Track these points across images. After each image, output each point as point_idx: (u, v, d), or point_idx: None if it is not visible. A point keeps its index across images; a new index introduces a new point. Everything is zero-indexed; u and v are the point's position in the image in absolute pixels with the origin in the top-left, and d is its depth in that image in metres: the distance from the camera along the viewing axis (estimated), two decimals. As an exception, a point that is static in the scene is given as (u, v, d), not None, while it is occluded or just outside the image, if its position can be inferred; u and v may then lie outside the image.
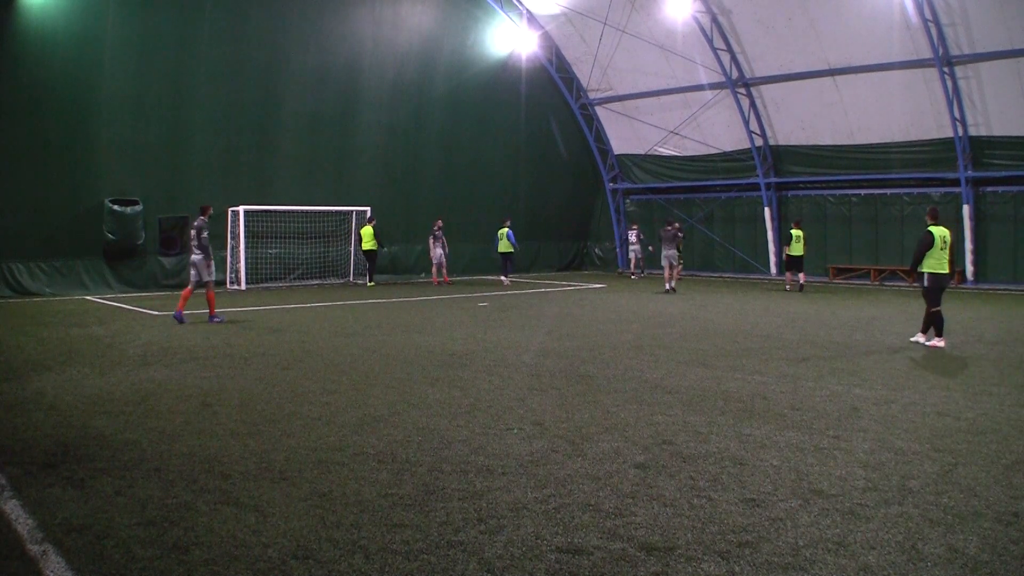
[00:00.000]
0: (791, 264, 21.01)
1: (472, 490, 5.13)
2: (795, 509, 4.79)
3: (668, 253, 20.68)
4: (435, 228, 23.21)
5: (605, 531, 4.46)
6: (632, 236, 26.86)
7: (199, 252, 13.73)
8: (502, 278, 23.62)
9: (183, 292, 14.28)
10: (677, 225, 21.84)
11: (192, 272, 14.01)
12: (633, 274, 26.62)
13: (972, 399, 7.84)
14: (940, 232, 11.23)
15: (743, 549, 4.22)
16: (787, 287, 21.23)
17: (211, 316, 14.00)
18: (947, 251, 11.28)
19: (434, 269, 23.30)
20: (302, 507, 4.82)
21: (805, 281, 21.29)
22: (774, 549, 4.21)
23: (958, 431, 6.61)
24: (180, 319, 13.70)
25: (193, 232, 13.85)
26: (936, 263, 11.20)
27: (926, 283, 11.24)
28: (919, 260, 11.25)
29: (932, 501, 4.92)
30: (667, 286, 20.50)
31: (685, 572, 3.96)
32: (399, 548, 4.22)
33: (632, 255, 26.83)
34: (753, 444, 6.22)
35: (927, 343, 11.33)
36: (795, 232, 20.89)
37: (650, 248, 25.85)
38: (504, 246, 23.45)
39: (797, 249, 20.79)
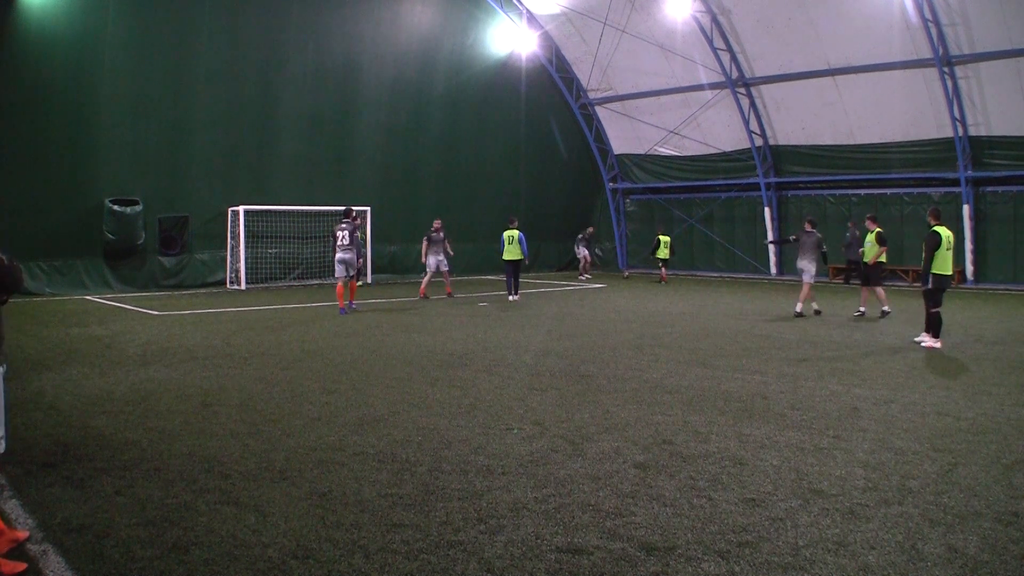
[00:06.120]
0: (869, 274, 14.98)
1: (472, 490, 5.13)
2: (795, 509, 4.79)
3: (805, 265, 15.26)
4: (432, 230, 18.81)
5: (605, 531, 4.46)
6: (583, 247, 26.88)
7: (351, 250, 15.41)
8: (510, 296, 18.38)
9: (338, 289, 15.83)
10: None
11: (340, 268, 15.57)
12: (583, 275, 26.47)
13: (972, 399, 7.84)
14: (947, 233, 11.12)
15: (743, 549, 4.22)
16: (885, 308, 14.80)
17: (348, 303, 15.62)
18: (951, 251, 11.18)
19: (426, 278, 18.91)
20: (302, 507, 4.82)
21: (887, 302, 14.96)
22: (774, 549, 4.21)
23: (958, 431, 6.61)
24: (345, 312, 15.36)
25: (345, 233, 15.49)
26: (941, 264, 11.07)
27: (930, 284, 11.11)
28: (931, 261, 11.02)
29: (932, 501, 4.92)
30: (799, 307, 15.13)
31: (685, 572, 3.96)
32: (399, 548, 4.22)
33: (581, 257, 26.88)
34: (753, 444, 6.22)
35: (924, 344, 11.30)
36: (879, 230, 15.04)
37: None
38: (513, 252, 18.34)
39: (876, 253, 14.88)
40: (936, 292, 11.13)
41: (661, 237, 24.72)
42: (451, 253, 19.10)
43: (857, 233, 20.58)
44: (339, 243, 15.60)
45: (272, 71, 22.29)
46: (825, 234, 24.92)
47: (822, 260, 15.53)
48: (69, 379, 8.88)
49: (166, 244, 21.04)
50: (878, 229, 14.92)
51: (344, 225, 15.68)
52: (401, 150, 25.22)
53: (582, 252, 26.81)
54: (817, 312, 15.28)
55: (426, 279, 18.95)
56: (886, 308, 14.79)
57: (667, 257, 24.60)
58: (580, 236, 27.19)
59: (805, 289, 15.11)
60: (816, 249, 15.25)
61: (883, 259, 15.12)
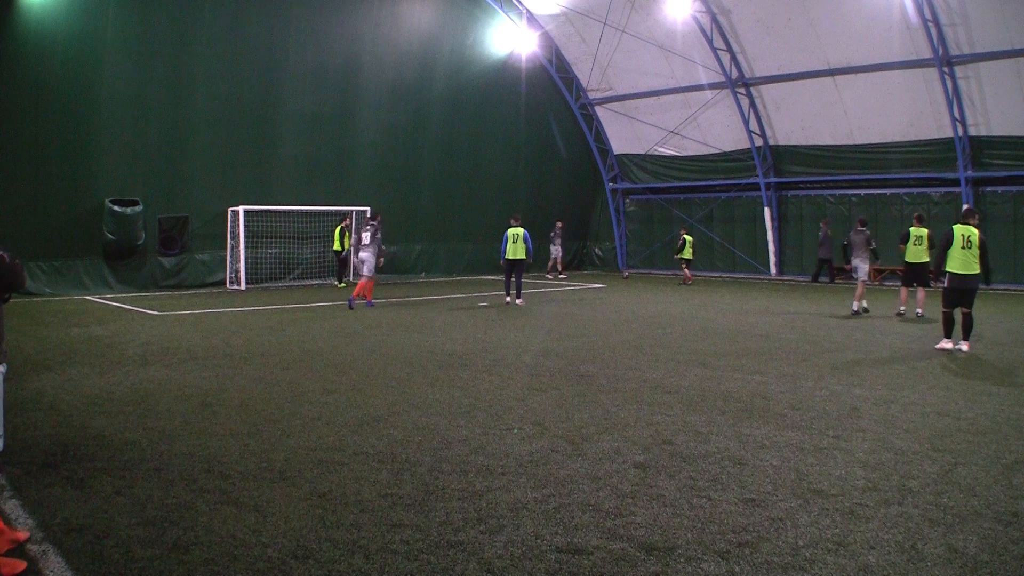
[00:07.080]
0: (910, 276, 14.74)
1: (472, 490, 5.13)
2: (795, 509, 4.79)
3: (858, 263, 15.44)
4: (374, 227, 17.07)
5: (605, 531, 4.46)
6: (557, 246, 26.52)
7: (372, 249, 16.53)
8: (507, 299, 17.45)
9: (360, 284, 16.64)
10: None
11: (366, 267, 16.65)
12: (555, 273, 26.21)
13: (972, 399, 7.84)
14: (962, 230, 10.66)
15: (743, 549, 4.22)
16: (901, 308, 15.06)
17: (355, 300, 16.36)
18: (972, 250, 10.64)
19: (366, 280, 16.81)
20: (302, 507, 4.82)
21: (924, 305, 14.72)
22: (774, 549, 4.21)
23: (958, 431, 6.61)
24: (352, 306, 16.18)
25: (367, 234, 16.64)
26: (957, 263, 10.64)
27: (947, 283, 10.77)
28: (942, 260, 10.71)
29: (932, 501, 4.92)
30: (855, 306, 15.32)
31: (685, 572, 3.96)
32: (399, 548, 4.22)
33: (553, 254, 26.59)
34: (753, 444, 6.22)
35: (936, 346, 11.09)
36: (916, 231, 14.59)
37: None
38: (518, 251, 16.94)
39: (918, 255, 14.48)
40: (951, 292, 10.78)
41: (687, 236, 24.43)
42: (383, 254, 17.70)
43: (829, 232, 21.62)
44: (361, 243, 17.00)
45: (272, 71, 22.27)
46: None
47: (872, 257, 15.55)
48: (69, 379, 8.88)
49: (166, 244, 21.04)
50: (911, 228, 14.72)
51: (368, 227, 16.94)
52: (401, 150, 25.22)
53: (555, 249, 26.55)
54: (865, 311, 15.30)
55: (365, 280, 16.90)
56: (901, 309, 14.93)
57: (691, 257, 24.47)
58: (552, 233, 26.78)
59: (859, 288, 15.31)
60: (866, 246, 15.34)
61: (923, 259, 14.37)
